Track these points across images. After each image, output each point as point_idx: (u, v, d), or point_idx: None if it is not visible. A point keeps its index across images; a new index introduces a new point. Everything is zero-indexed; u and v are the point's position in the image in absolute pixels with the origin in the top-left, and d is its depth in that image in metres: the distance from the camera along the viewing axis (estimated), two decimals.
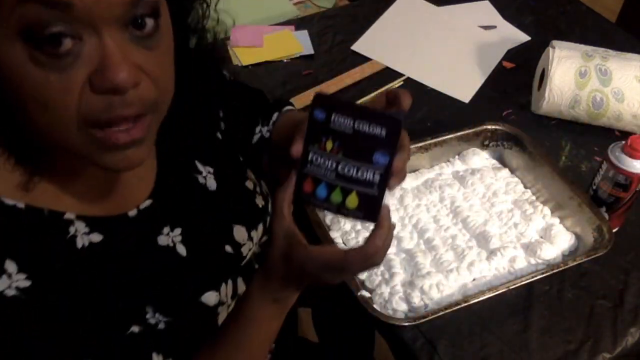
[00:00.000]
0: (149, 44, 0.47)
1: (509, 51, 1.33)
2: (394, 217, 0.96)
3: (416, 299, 0.83)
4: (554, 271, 0.86)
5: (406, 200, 0.99)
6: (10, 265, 0.50)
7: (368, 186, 0.56)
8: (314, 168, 0.56)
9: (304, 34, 1.34)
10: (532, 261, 0.91)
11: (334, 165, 0.56)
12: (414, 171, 1.04)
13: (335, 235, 0.93)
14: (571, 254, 0.93)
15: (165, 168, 0.65)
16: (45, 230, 0.53)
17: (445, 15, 1.43)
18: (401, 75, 1.26)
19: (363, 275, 0.88)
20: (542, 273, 0.86)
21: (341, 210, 0.57)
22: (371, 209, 0.57)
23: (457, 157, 1.07)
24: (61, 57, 0.43)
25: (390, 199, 0.99)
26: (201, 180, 0.68)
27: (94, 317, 0.54)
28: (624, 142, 0.90)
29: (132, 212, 0.60)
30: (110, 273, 0.56)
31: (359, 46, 1.32)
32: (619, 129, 1.14)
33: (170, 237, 0.62)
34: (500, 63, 1.30)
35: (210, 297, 0.63)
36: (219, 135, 0.74)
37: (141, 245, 0.60)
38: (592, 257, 0.88)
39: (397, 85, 1.23)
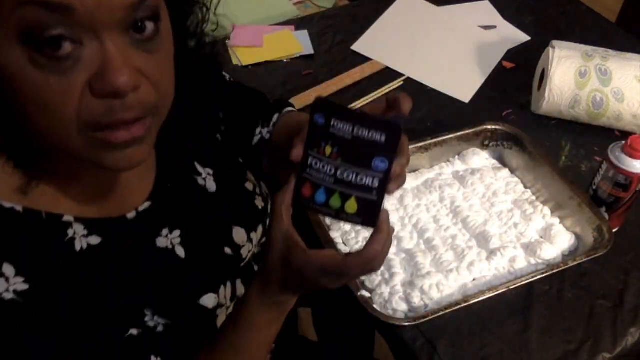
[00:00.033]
0: (149, 48, 0.47)
1: (509, 51, 1.33)
2: (394, 217, 0.96)
3: (416, 299, 0.83)
4: (554, 271, 0.86)
5: (406, 200, 0.99)
6: (8, 269, 0.50)
7: (367, 191, 0.56)
8: (313, 172, 0.56)
9: (304, 34, 1.34)
10: (532, 261, 0.91)
11: (333, 171, 0.56)
12: (414, 171, 1.04)
13: (335, 235, 0.93)
14: (571, 254, 0.93)
15: (165, 170, 0.65)
16: (43, 233, 0.53)
17: (445, 15, 1.43)
18: (401, 75, 1.26)
19: (363, 276, 0.88)
20: (542, 273, 0.86)
21: (340, 215, 0.57)
22: (370, 214, 0.57)
23: (457, 157, 1.07)
24: (61, 60, 0.43)
25: (390, 199, 0.99)
26: (200, 182, 0.68)
27: (93, 320, 0.54)
28: (624, 142, 0.90)
29: (131, 214, 0.60)
30: (109, 275, 0.56)
31: (359, 46, 1.32)
32: (619, 129, 1.14)
33: (169, 239, 0.62)
34: (500, 63, 1.30)
35: (209, 300, 0.63)
36: (218, 137, 0.74)
37: (140, 247, 0.60)
38: (592, 257, 0.88)
39: (397, 85, 1.23)
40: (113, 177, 0.59)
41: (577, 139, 1.13)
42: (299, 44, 1.31)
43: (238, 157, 0.76)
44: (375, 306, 0.83)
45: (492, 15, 1.44)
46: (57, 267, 0.53)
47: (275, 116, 0.83)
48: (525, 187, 1.02)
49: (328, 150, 0.56)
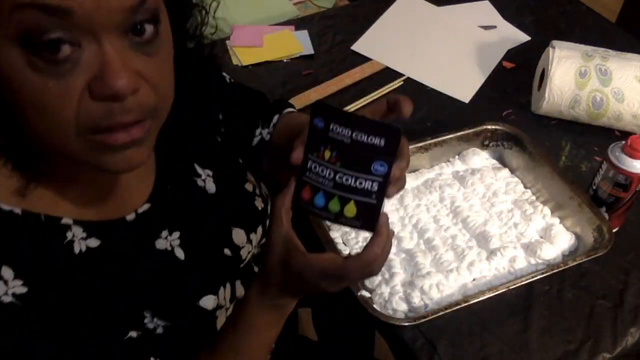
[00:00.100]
0: (149, 50, 0.47)
1: (509, 51, 1.33)
2: (394, 217, 0.96)
3: (416, 299, 0.83)
4: (554, 271, 0.86)
5: (406, 200, 0.99)
6: (7, 272, 0.50)
7: (366, 195, 0.56)
8: (313, 176, 0.56)
9: (304, 34, 1.34)
10: (532, 261, 0.91)
11: (332, 174, 0.56)
12: (414, 171, 1.04)
13: (335, 235, 0.93)
14: (571, 254, 0.93)
15: (164, 172, 0.65)
16: (42, 236, 0.53)
17: (445, 15, 1.43)
18: (401, 75, 1.26)
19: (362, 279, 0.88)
20: (542, 273, 0.86)
21: (339, 219, 0.57)
22: (369, 218, 0.57)
23: (457, 157, 1.07)
24: (60, 63, 0.43)
25: (390, 199, 0.99)
26: (200, 183, 0.68)
27: (92, 323, 0.54)
28: (624, 142, 0.90)
29: (130, 216, 0.60)
30: (108, 278, 0.56)
31: (359, 46, 1.32)
32: (619, 129, 1.14)
33: (169, 241, 0.62)
34: (500, 63, 1.30)
35: (208, 301, 0.63)
36: (218, 138, 0.74)
37: (139, 249, 0.60)
38: (592, 257, 0.88)
39: (397, 85, 1.23)
40: (112, 179, 0.59)
41: (577, 139, 1.13)
42: (299, 44, 1.31)
43: (238, 158, 0.76)
44: (375, 306, 0.83)
45: (492, 15, 1.44)
46: (56, 270, 0.53)
47: (276, 117, 0.83)
48: (525, 187, 1.02)
49: (327, 154, 0.55)
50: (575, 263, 0.87)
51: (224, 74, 0.83)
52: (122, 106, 0.46)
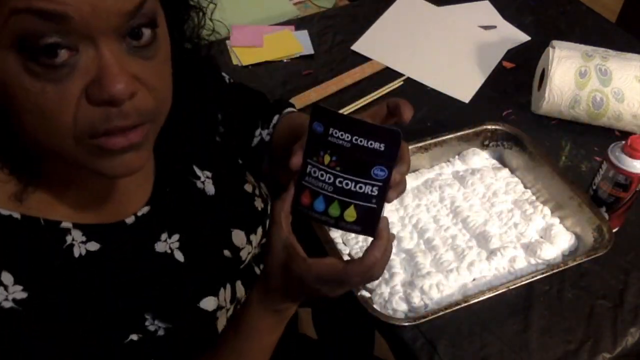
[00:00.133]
0: (146, 54, 0.47)
1: (509, 51, 1.33)
2: (394, 217, 0.96)
3: (416, 299, 0.83)
4: (554, 271, 0.86)
5: (406, 200, 0.99)
6: (7, 277, 0.50)
7: (366, 200, 0.55)
8: (312, 180, 0.56)
9: (304, 34, 1.34)
10: (532, 261, 0.91)
11: (332, 179, 0.55)
12: (414, 171, 1.04)
13: (335, 235, 0.93)
14: (571, 254, 0.93)
15: (163, 174, 0.64)
16: (41, 240, 0.52)
17: (445, 15, 1.43)
18: (401, 75, 1.26)
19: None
20: (542, 273, 0.86)
21: (339, 223, 0.56)
22: (369, 222, 0.56)
23: (457, 157, 1.07)
24: (57, 68, 0.43)
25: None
26: (199, 185, 0.68)
27: (93, 326, 0.54)
28: (624, 142, 0.90)
29: (130, 219, 0.60)
30: (108, 281, 0.56)
31: (359, 46, 1.32)
32: (619, 129, 1.14)
33: (168, 244, 0.62)
34: (500, 63, 1.30)
35: (208, 303, 0.63)
36: (217, 138, 0.74)
37: (139, 252, 0.60)
38: (592, 257, 0.88)
39: (397, 85, 1.23)
40: (111, 183, 0.58)
41: (577, 139, 1.13)
42: (299, 44, 1.31)
43: (237, 158, 0.76)
44: (375, 306, 0.83)
45: (492, 15, 1.44)
46: (56, 274, 0.53)
47: (275, 117, 0.82)
48: (525, 187, 1.02)
49: (327, 159, 0.55)
50: (575, 263, 0.87)
51: (224, 74, 0.83)
52: (120, 111, 0.45)
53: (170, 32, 0.52)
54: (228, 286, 0.66)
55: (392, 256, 0.91)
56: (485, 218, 0.96)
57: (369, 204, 0.56)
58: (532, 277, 0.85)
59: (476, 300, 0.82)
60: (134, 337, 0.56)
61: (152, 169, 0.64)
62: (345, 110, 1.15)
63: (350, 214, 0.56)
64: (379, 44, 1.33)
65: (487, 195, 1.00)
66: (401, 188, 0.58)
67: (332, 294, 0.59)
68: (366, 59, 1.29)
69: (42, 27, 0.41)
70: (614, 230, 0.92)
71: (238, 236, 0.69)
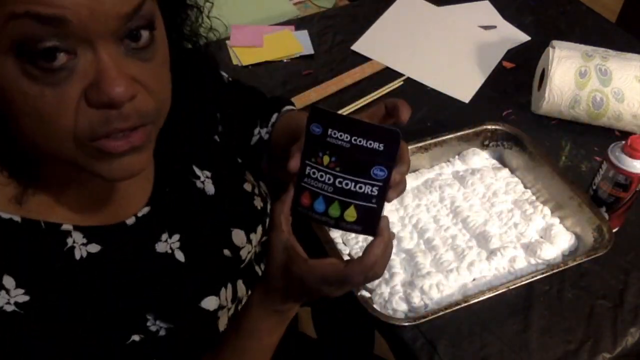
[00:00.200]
0: (145, 56, 0.47)
1: (509, 51, 1.33)
2: (394, 217, 0.96)
3: (416, 299, 0.83)
4: (554, 271, 0.86)
5: (406, 200, 0.99)
6: (8, 281, 0.50)
7: (366, 200, 0.55)
8: (312, 182, 0.56)
9: (304, 34, 1.34)
10: (532, 261, 0.90)
11: (332, 180, 0.55)
12: (414, 171, 1.04)
13: (335, 235, 0.93)
14: (571, 254, 0.93)
15: (163, 174, 0.64)
16: (42, 243, 0.52)
17: (445, 15, 1.43)
18: (401, 75, 1.26)
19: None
20: (542, 273, 0.86)
21: (339, 223, 0.56)
22: (370, 222, 0.56)
23: (457, 157, 1.06)
24: (55, 71, 0.43)
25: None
26: (199, 185, 0.68)
27: (95, 328, 0.54)
28: (624, 142, 0.90)
29: (130, 220, 0.60)
30: (110, 283, 0.56)
31: (359, 46, 1.32)
32: (619, 129, 1.14)
33: (169, 244, 0.62)
34: (500, 63, 1.30)
35: (210, 302, 0.63)
36: (216, 138, 0.74)
37: (139, 253, 0.60)
38: (592, 257, 0.88)
39: (397, 85, 1.23)
40: (111, 184, 0.58)
41: (577, 139, 1.13)
42: (299, 44, 1.31)
43: (236, 157, 0.76)
44: (375, 306, 0.83)
45: (492, 15, 1.44)
46: (57, 277, 0.53)
47: (274, 116, 0.82)
48: (525, 187, 1.02)
49: (326, 159, 0.55)
50: (575, 263, 0.87)
51: (222, 72, 0.83)
52: (119, 113, 0.45)
53: (168, 33, 0.51)
54: (229, 285, 0.66)
55: (392, 256, 0.90)
56: (485, 218, 0.96)
57: (369, 204, 0.56)
58: (532, 277, 0.85)
59: (476, 300, 0.82)
60: (136, 337, 0.56)
61: (152, 169, 0.64)
62: (345, 111, 1.15)
63: (351, 214, 0.56)
64: (379, 44, 1.33)
65: (487, 195, 1.00)
66: (401, 188, 0.58)
67: (333, 294, 0.59)
68: (366, 59, 1.29)
69: (40, 31, 0.41)
70: (614, 230, 0.92)
71: (238, 235, 0.69)
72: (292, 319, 0.65)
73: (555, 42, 1.18)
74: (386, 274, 0.88)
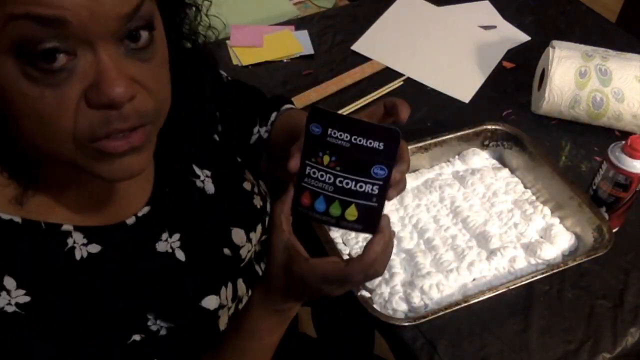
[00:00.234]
0: (144, 57, 0.47)
1: (509, 51, 1.33)
2: (394, 217, 0.96)
3: (416, 299, 0.83)
4: (554, 271, 0.86)
5: (406, 200, 0.99)
6: (9, 282, 0.50)
7: (367, 199, 0.56)
8: (312, 181, 0.56)
9: (304, 34, 1.34)
10: (532, 261, 0.90)
11: (332, 179, 0.55)
12: (414, 171, 1.04)
13: (335, 235, 0.93)
14: (571, 254, 0.93)
15: (163, 174, 0.64)
16: (43, 244, 0.52)
17: (445, 15, 1.43)
18: (401, 75, 1.26)
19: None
20: (542, 273, 0.86)
21: (340, 222, 0.57)
22: (371, 220, 0.57)
23: (457, 157, 1.07)
24: (55, 72, 0.43)
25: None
26: (199, 184, 0.68)
27: (96, 328, 0.54)
28: (624, 142, 0.90)
29: (130, 220, 0.60)
30: (110, 283, 0.56)
31: (359, 46, 1.32)
32: (619, 129, 1.14)
33: (169, 243, 0.62)
34: (500, 63, 1.30)
35: (210, 301, 0.63)
36: (216, 137, 0.74)
37: (140, 252, 0.60)
38: (592, 257, 0.88)
39: (397, 85, 1.23)
40: (111, 184, 0.58)
41: (577, 139, 1.13)
42: (299, 44, 1.31)
43: (236, 156, 0.76)
44: (375, 306, 0.83)
45: (492, 15, 1.44)
46: (57, 278, 0.53)
47: (273, 115, 0.83)
48: (525, 187, 1.02)
49: (326, 159, 0.55)
50: (575, 263, 0.87)
51: (221, 72, 0.83)
52: (119, 113, 0.45)
53: (167, 33, 0.52)
54: (229, 284, 0.66)
55: (392, 256, 0.90)
56: (485, 218, 0.96)
57: (370, 203, 0.56)
58: (532, 277, 0.85)
59: (476, 300, 0.82)
60: (137, 337, 0.56)
61: (151, 169, 0.64)
62: (345, 111, 1.15)
63: (352, 213, 0.56)
64: (379, 44, 1.33)
65: (487, 195, 1.00)
66: (401, 186, 0.58)
67: (334, 293, 0.59)
68: (366, 59, 1.29)
69: (40, 32, 0.41)
70: (614, 230, 0.92)
71: (238, 234, 0.69)
72: (292, 319, 0.65)
73: (555, 42, 1.18)
74: (386, 274, 0.88)
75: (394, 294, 0.84)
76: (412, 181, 1.02)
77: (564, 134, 1.14)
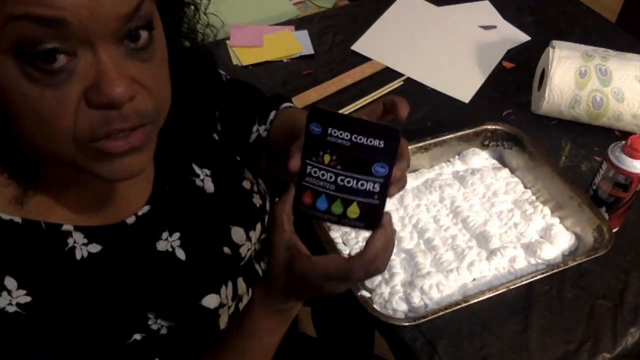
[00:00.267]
0: (144, 56, 0.47)
1: (509, 51, 1.33)
2: (394, 217, 0.96)
3: (416, 299, 0.83)
4: (554, 271, 0.86)
5: (406, 200, 0.99)
6: (10, 282, 0.50)
7: (368, 196, 0.56)
8: (313, 180, 0.56)
9: (304, 34, 1.34)
10: (532, 261, 0.90)
11: (333, 178, 0.56)
12: (414, 171, 1.04)
13: (335, 235, 0.93)
14: (571, 254, 0.93)
15: (163, 173, 0.65)
16: (43, 244, 0.52)
17: (445, 15, 1.43)
18: (401, 75, 1.26)
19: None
20: (542, 273, 0.86)
21: (342, 220, 0.57)
22: (372, 218, 0.57)
23: (457, 157, 1.07)
24: (55, 73, 0.43)
25: (390, 199, 0.99)
26: (198, 183, 0.68)
27: (97, 328, 0.54)
28: (624, 142, 0.90)
29: (131, 219, 0.60)
30: (111, 282, 0.56)
31: (359, 46, 1.32)
32: (619, 129, 1.14)
33: (169, 242, 0.62)
34: (500, 63, 1.30)
35: (210, 300, 0.63)
36: (215, 136, 0.74)
37: (140, 251, 0.60)
38: (592, 257, 0.88)
39: (397, 85, 1.23)
40: (111, 184, 0.58)
41: (577, 139, 1.13)
42: (299, 44, 1.31)
43: (235, 155, 0.76)
44: (375, 306, 0.83)
45: (492, 15, 1.44)
46: (58, 278, 0.53)
47: (272, 113, 0.83)
48: (525, 187, 1.02)
49: (327, 158, 0.56)
50: (575, 263, 0.87)
51: (220, 71, 0.83)
52: (119, 113, 0.45)
53: (167, 32, 0.52)
54: (229, 283, 0.66)
55: (392, 256, 0.90)
56: (485, 218, 0.96)
57: (372, 201, 0.56)
58: (532, 277, 0.85)
59: (476, 300, 0.82)
60: (137, 336, 0.56)
61: (151, 168, 0.64)
62: (345, 111, 1.15)
63: (354, 211, 0.57)
64: (379, 44, 1.33)
65: (487, 195, 1.00)
66: (402, 183, 0.59)
67: (336, 290, 0.60)
68: (366, 59, 1.29)
69: (40, 32, 0.41)
70: (614, 230, 0.92)
71: (237, 233, 0.69)
72: (293, 319, 0.65)
73: (555, 42, 1.18)
74: (386, 274, 0.88)
75: (394, 294, 0.84)
76: (412, 181, 1.02)
77: (564, 134, 1.14)
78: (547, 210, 0.97)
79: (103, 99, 0.44)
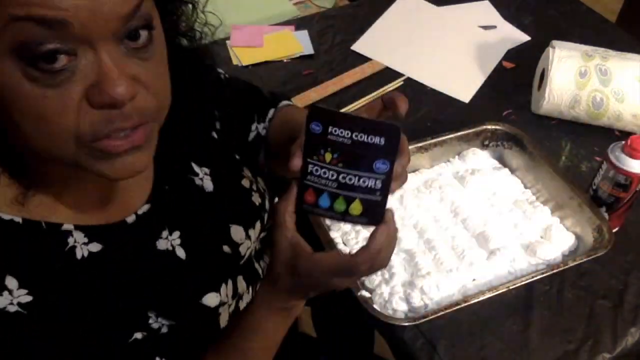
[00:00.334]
0: (144, 55, 0.47)
1: (509, 51, 1.33)
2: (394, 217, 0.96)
3: (416, 299, 0.83)
4: (554, 271, 0.86)
5: (406, 200, 0.99)
6: (11, 282, 0.50)
7: (370, 193, 0.57)
8: (315, 179, 0.57)
9: (304, 34, 1.34)
10: (532, 261, 0.90)
11: (335, 176, 0.56)
12: (414, 171, 1.04)
13: (335, 235, 0.93)
14: (571, 254, 0.93)
15: (162, 172, 0.65)
16: (44, 243, 0.53)
17: (445, 15, 1.43)
18: (401, 75, 1.26)
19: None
20: (542, 273, 0.86)
21: (345, 217, 0.58)
22: (375, 213, 0.58)
23: (457, 157, 1.06)
24: (56, 73, 0.43)
25: (390, 199, 0.98)
26: (198, 182, 0.68)
27: (97, 327, 0.54)
28: (624, 142, 0.90)
29: (131, 218, 0.60)
30: (111, 282, 0.56)
31: (359, 46, 1.32)
32: (619, 129, 1.14)
33: (169, 241, 0.62)
34: (500, 63, 1.30)
35: (211, 299, 0.63)
36: (214, 135, 0.74)
37: (140, 250, 0.60)
38: (592, 257, 0.88)
39: (397, 85, 1.23)
40: (111, 183, 0.58)
41: (577, 139, 1.13)
42: (299, 44, 1.31)
43: (234, 154, 0.76)
44: (375, 306, 0.83)
45: (492, 15, 1.44)
46: (59, 277, 0.53)
47: (271, 111, 0.83)
48: (525, 187, 1.02)
49: (328, 156, 0.56)
50: (575, 263, 0.87)
51: (219, 70, 0.83)
52: (121, 112, 0.46)
53: (166, 31, 0.52)
54: (229, 282, 0.66)
55: (392, 256, 0.90)
56: (485, 218, 0.96)
57: (374, 197, 0.57)
58: (532, 277, 0.85)
59: (476, 300, 0.82)
60: (138, 335, 0.56)
61: (151, 167, 0.64)
62: (345, 110, 1.15)
63: (356, 208, 0.57)
64: (379, 44, 1.33)
65: (487, 195, 1.00)
66: (403, 179, 0.60)
67: (340, 286, 0.60)
68: (366, 59, 1.29)
69: (41, 33, 0.41)
70: (614, 230, 0.92)
71: (237, 232, 0.69)
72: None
73: (555, 42, 1.18)
74: (386, 274, 0.88)
75: (394, 294, 0.84)
76: (412, 181, 1.02)
77: (564, 134, 1.14)
78: (547, 210, 0.97)
79: (105, 99, 0.44)
